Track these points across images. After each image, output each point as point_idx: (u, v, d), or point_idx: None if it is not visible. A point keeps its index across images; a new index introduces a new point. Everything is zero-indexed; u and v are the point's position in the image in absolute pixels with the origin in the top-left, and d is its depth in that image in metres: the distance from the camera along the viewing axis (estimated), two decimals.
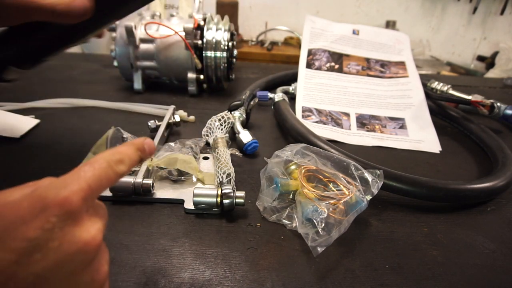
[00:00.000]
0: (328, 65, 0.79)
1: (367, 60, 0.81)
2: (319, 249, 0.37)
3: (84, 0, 0.36)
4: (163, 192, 0.47)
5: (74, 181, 0.23)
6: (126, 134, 0.56)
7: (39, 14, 0.36)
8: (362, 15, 1.69)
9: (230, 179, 0.47)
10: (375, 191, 0.43)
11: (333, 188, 0.44)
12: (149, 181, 0.45)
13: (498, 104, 0.67)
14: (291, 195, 0.45)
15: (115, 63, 0.75)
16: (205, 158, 0.55)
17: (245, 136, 0.57)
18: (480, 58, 1.71)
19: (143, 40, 0.73)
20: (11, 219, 0.20)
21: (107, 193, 0.45)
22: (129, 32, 0.70)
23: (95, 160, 0.25)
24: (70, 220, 0.22)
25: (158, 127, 0.58)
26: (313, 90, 0.74)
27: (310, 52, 0.79)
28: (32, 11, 0.35)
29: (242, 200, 0.43)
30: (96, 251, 0.24)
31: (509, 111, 0.67)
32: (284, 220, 0.43)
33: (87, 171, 0.24)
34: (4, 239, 0.20)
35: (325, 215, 0.39)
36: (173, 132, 0.62)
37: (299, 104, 0.70)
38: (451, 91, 0.76)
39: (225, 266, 0.38)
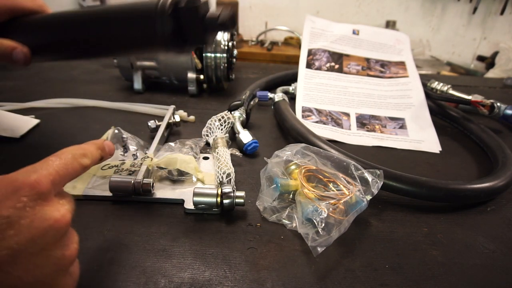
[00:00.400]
0: (328, 65, 0.79)
1: (367, 60, 0.81)
2: (319, 249, 0.37)
3: (19, 52, 0.43)
4: (163, 192, 0.47)
5: (43, 167, 0.26)
6: (126, 134, 0.56)
7: None
8: (362, 15, 1.69)
9: (230, 179, 0.47)
10: (375, 191, 0.43)
11: (333, 188, 0.44)
12: (149, 181, 0.45)
13: (498, 104, 0.67)
14: (291, 195, 0.45)
15: (115, 63, 0.75)
16: (205, 158, 0.55)
17: (245, 136, 0.57)
18: (480, 58, 1.71)
19: None
20: None
21: (107, 193, 0.45)
22: None
23: (61, 152, 0.29)
24: (40, 200, 0.24)
25: (158, 127, 0.58)
26: (313, 90, 0.74)
27: (310, 52, 0.79)
28: None
29: (242, 200, 0.43)
30: (66, 228, 0.26)
31: (509, 111, 0.67)
32: (284, 220, 0.43)
33: (55, 160, 0.27)
34: None
35: (325, 215, 0.39)
36: (173, 132, 0.62)
37: (299, 104, 0.70)
38: (451, 91, 0.76)
39: (225, 266, 0.38)
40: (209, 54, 0.72)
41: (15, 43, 0.44)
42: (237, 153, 0.54)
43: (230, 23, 0.40)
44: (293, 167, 0.46)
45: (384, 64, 0.81)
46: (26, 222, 0.23)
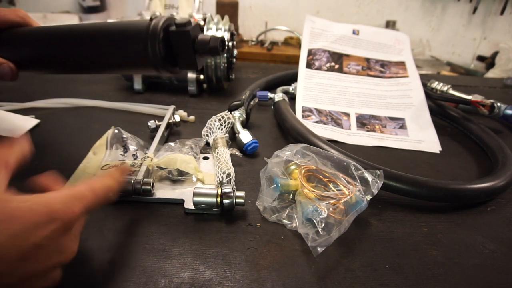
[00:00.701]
0: (328, 65, 0.79)
1: (367, 60, 0.81)
2: (319, 249, 0.37)
3: (6, 68, 0.44)
4: (163, 192, 0.47)
5: (78, 203, 0.28)
6: (126, 134, 0.56)
7: None
8: (362, 15, 1.69)
9: (230, 179, 0.47)
10: (375, 191, 0.43)
11: (333, 188, 0.44)
12: (149, 181, 0.45)
13: (498, 104, 0.67)
14: (291, 195, 0.45)
15: None
16: (205, 158, 0.55)
17: (245, 136, 0.57)
18: (480, 58, 1.71)
19: None
20: (27, 223, 0.25)
21: None
22: None
23: (97, 186, 0.31)
24: (67, 232, 0.27)
25: (158, 127, 0.58)
26: (313, 90, 0.74)
27: (310, 52, 0.79)
28: None
29: (242, 200, 0.43)
30: (71, 259, 0.29)
31: (509, 111, 0.67)
32: (284, 220, 0.43)
33: (88, 195, 0.29)
34: (18, 238, 0.24)
35: (325, 215, 0.39)
36: (173, 132, 0.62)
37: (299, 104, 0.70)
38: (451, 91, 0.76)
39: (225, 266, 0.38)
40: None
41: (1, 58, 0.44)
42: (237, 153, 0.54)
43: (220, 47, 0.40)
44: (293, 167, 0.46)
45: (384, 64, 0.81)
46: (50, 250, 0.27)
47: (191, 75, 0.74)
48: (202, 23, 0.72)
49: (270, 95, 0.70)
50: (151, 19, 0.38)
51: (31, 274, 0.26)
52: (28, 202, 0.26)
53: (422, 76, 0.79)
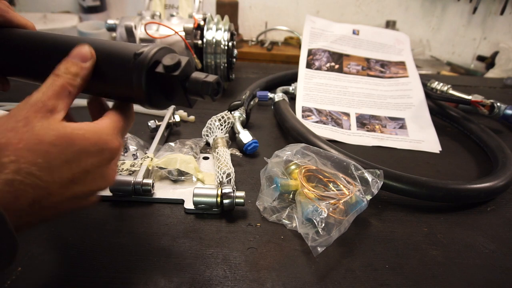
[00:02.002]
0: (328, 65, 0.79)
1: (367, 60, 0.81)
2: (319, 249, 0.37)
3: None
4: (163, 192, 0.47)
5: (120, 134, 0.32)
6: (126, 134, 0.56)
7: None
8: (362, 15, 1.69)
9: (230, 179, 0.47)
10: (375, 191, 0.43)
11: (333, 188, 0.44)
12: (149, 181, 0.45)
13: (498, 104, 0.67)
14: (291, 195, 0.45)
15: None
16: (205, 158, 0.55)
17: (245, 136, 0.57)
18: (480, 58, 1.71)
19: (143, 40, 0.73)
20: (81, 150, 0.27)
21: (107, 193, 0.45)
22: (129, 32, 0.70)
23: (131, 108, 0.36)
24: (111, 162, 0.30)
25: (158, 127, 0.58)
26: (313, 90, 0.74)
27: (310, 52, 0.79)
28: None
29: (242, 200, 0.43)
30: (112, 183, 0.32)
31: (509, 111, 0.67)
32: (284, 220, 0.43)
33: (126, 121, 0.34)
34: (71, 163, 0.27)
35: (325, 215, 0.39)
36: (173, 132, 0.62)
37: (299, 104, 0.70)
38: (451, 91, 0.76)
39: (225, 266, 0.38)
40: (209, 54, 0.72)
41: None
42: (237, 153, 0.54)
43: (213, 92, 0.33)
44: (293, 167, 0.46)
45: (384, 64, 0.81)
46: (96, 176, 0.29)
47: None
48: (202, 23, 0.72)
49: (270, 95, 0.70)
50: (142, 49, 0.34)
51: (77, 196, 0.28)
52: (82, 131, 0.28)
53: (422, 76, 0.79)
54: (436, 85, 0.78)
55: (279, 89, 0.74)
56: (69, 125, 0.28)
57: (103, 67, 0.35)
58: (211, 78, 0.33)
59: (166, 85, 0.35)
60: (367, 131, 0.68)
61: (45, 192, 0.26)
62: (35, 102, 0.28)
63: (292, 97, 0.74)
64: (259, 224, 0.44)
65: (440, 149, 0.64)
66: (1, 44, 0.40)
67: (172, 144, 0.53)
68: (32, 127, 0.26)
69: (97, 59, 0.35)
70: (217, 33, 0.72)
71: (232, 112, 0.62)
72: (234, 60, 0.78)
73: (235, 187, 0.46)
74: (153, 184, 0.46)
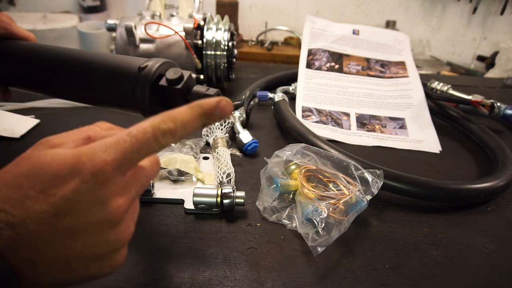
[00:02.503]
0: (328, 65, 0.79)
1: (367, 60, 0.81)
2: (319, 249, 0.37)
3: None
4: (163, 192, 0.47)
5: (111, 150, 0.24)
6: None
7: None
8: (362, 15, 1.69)
9: (230, 179, 0.47)
10: (375, 191, 0.43)
11: (333, 188, 0.44)
12: None
13: (498, 104, 0.67)
14: (291, 195, 0.45)
15: None
16: (205, 158, 0.55)
17: (245, 136, 0.57)
18: (480, 58, 1.71)
19: (143, 40, 0.73)
20: (54, 176, 0.23)
21: None
22: (129, 32, 0.70)
23: (141, 129, 0.25)
24: (100, 186, 0.23)
25: None
26: (313, 90, 0.74)
27: (310, 52, 0.79)
28: None
29: (242, 200, 0.43)
30: (121, 217, 0.25)
31: (509, 111, 0.67)
32: (284, 220, 0.43)
33: (128, 141, 0.24)
34: (47, 193, 0.23)
35: (325, 215, 0.39)
36: None
37: (299, 104, 0.70)
38: (451, 91, 0.76)
39: (225, 266, 0.38)
40: (209, 54, 0.72)
41: None
42: (237, 153, 0.54)
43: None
44: (293, 167, 0.46)
45: (384, 64, 0.81)
46: (83, 207, 0.23)
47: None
48: (202, 23, 0.72)
49: (270, 95, 0.70)
50: (146, 62, 0.36)
51: (76, 233, 0.23)
52: (62, 155, 0.24)
53: (422, 76, 0.79)
54: (436, 85, 0.78)
55: (279, 89, 0.74)
56: (51, 152, 0.24)
57: (108, 79, 0.37)
58: (212, 91, 0.35)
59: (168, 97, 0.37)
60: (367, 131, 0.68)
61: (23, 229, 0.22)
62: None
63: (292, 97, 0.74)
64: (259, 224, 0.44)
65: (440, 149, 0.64)
66: (3, 56, 0.41)
67: (172, 144, 0.54)
68: (14, 162, 0.24)
69: (102, 72, 0.37)
70: (217, 33, 0.72)
71: (232, 112, 0.62)
72: (234, 60, 0.78)
73: (235, 187, 0.46)
74: (153, 184, 0.46)
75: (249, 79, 0.86)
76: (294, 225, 0.42)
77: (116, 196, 0.25)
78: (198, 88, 0.36)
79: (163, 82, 0.36)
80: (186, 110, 0.26)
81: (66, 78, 0.40)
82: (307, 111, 0.69)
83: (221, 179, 0.47)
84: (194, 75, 0.38)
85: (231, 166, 0.49)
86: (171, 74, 0.35)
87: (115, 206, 0.24)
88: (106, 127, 0.29)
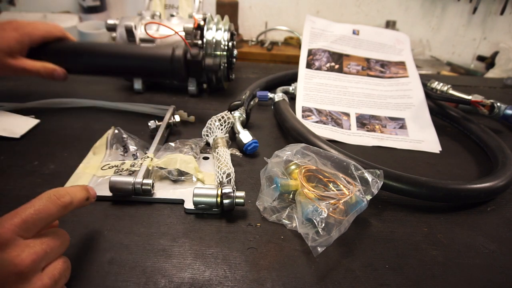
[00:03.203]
0: (328, 65, 0.79)
1: (367, 60, 0.81)
2: (319, 249, 0.37)
3: (60, 72, 0.59)
4: (163, 192, 0.47)
5: (11, 217, 0.29)
6: (126, 134, 0.56)
7: (27, 74, 0.58)
8: (362, 15, 1.69)
9: (230, 179, 0.47)
10: (375, 191, 0.43)
11: (333, 188, 0.44)
12: (149, 181, 0.45)
13: (498, 104, 0.67)
14: (291, 195, 0.45)
15: None
16: (205, 158, 0.55)
17: (245, 136, 0.57)
18: (480, 58, 1.71)
19: (143, 40, 0.73)
20: None
21: (107, 193, 0.45)
22: (129, 32, 0.70)
23: (38, 198, 0.31)
24: (1, 248, 0.27)
25: (158, 127, 0.58)
26: (313, 90, 0.74)
27: (310, 52, 0.79)
28: (21, 72, 0.57)
29: (242, 200, 0.43)
30: (27, 270, 0.28)
31: (509, 111, 0.67)
32: (284, 220, 0.43)
33: (28, 208, 0.30)
34: None
35: (325, 215, 0.39)
36: (173, 132, 0.62)
37: (299, 104, 0.70)
38: (451, 91, 0.76)
39: (225, 266, 0.38)
40: (209, 54, 0.72)
41: (54, 65, 0.59)
42: (237, 153, 0.54)
43: (217, 68, 0.67)
44: (293, 167, 0.46)
45: (384, 64, 0.81)
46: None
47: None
48: (202, 23, 0.72)
49: (270, 95, 0.70)
50: (173, 49, 0.59)
51: None
52: None
53: (422, 76, 0.79)
54: (436, 85, 0.78)
55: (279, 89, 0.74)
56: None
57: (153, 60, 0.60)
58: (216, 66, 0.66)
59: (190, 66, 0.61)
60: (367, 131, 0.68)
61: None
62: None
63: (292, 97, 0.74)
64: (259, 224, 0.44)
65: (440, 149, 0.64)
66: (67, 51, 0.61)
67: (172, 144, 0.54)
68: None
69: (146, 56, 0.60)
70: (217, 33, 0.72)
71: (232, 112, 0.62)
72: (234, 60, 0.78)
73: (235, 187, 0.46)
74: (153, 184, 0.46)
75: (249, 79, 0.86)
76: (294, 225, 0.42)
77: (19, 251, 0.28)
78: (208, 61, 0.66)
79: (189, 56, 0.61)
80: (72, 186, 0.36)
81: (122, 63, 0.61)
82: (307, 111, 0.69)
83: (221, 179, 0.47)
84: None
85: (231, 166, 0.49)
86: (194, 52, 0.61)
87: (17, 260, 0.28)
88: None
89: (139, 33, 0.72)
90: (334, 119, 0.69)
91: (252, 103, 0.65)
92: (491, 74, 1.54)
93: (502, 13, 1.63)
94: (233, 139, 0.59)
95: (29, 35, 0.57)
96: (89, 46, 0.63)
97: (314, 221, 0.39)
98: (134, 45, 0.65)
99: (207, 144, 0.57)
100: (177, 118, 0.62)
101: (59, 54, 0.60)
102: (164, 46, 0.59)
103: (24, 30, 0.56)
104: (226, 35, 0.73)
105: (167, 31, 0.70)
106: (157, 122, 0.59)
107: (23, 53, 0.57)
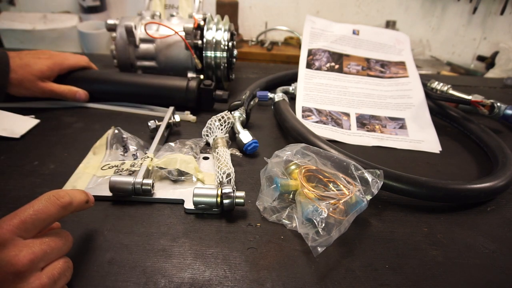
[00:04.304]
0: (328, 65, 0.79)
1: (367, 60, 0.81)
2: (319, 249, 0.37)
3: (82, 94, 0.67)
4: (163, 192, 0.47)
5: (9, 218, 0.30)
6: (126, 134, 0.56)
7: (54, 96, 0.66)
8: (362, 15, 1.69)
9: (230, 179, 0.47)
10: (375, 191, 0.43)
11: (333, 188, 0.44)
12: (149, 181, 0.45)
13: (498, 104, 0.67)
14: (291, 195, 0.45)
15: (115, 63, 0.75)
16: (205, 158, 0.55)
17: (245, 136, 0.57)
18: (480, 58, 1.71)
19: (143, 40, 0.73)
20: None
21: (107, 193, 0.45)
22: (129, 32, 0.70)
23: (37, 199, 0.32)
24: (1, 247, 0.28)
25: (158, 127, 0.58)
26: (313, 90, 0.74)
27: (310, 52, 0.79)
28: (48, 94, 0.65)
29: (242, 200, 0.43)
30: (24, 268, 0.28)
31: (509, 111, 0.67)
32: (284, 220, 0.43)
33: (27, 208, 0.30)
34: None
35: (325, 215, 0.39)
36: (173, 132, 0.62)
37: (299, 104, 0.70)
38: (451, 91, 0.76)
39: (225, 266, 0.38)
40: (209, 54, 0.72)
41: (77, 88, 0.67)
42: (237, 153, 0.54)
43: (227, 98, 0.68)
44: (293, 167, 0.46)
45: (384, 64, 0.81)
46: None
47: (191, 75, 0.74)
48: (202, 23, 0.72)
49: (270, 95, 0.70)
50: (188, 80, 0.67)
51: None
52: None
53: (422, 76, 0.79)
54: (436, 85, 0.78)
55: (279, 89, 0.74)
56: None
57: (169, 89, 0.67)
58: (226, 94, 0.68)
59: (201, 94, 0.67)
60: (367, 131, 0.68)
61: None
62: None
63: (292, 97, 0.74)
64: (259, 224, 0.44)
65: (440, 149, 0.64)
66: (92, 79, 0.69)
67: (172, 144, 0.54)
68: None
69: (162, 86, 0.67)
70: (217, 33, 0.72)
71: (232, 112, 0.62)
72: (234, 60, 0.78)
73: (235, 187, 0.46)
74: (153, 184, 0.46)
75: (249, 79, 0.86)
76: (294, 225, 0.42)
77: (17, 250, 0.29)
78: (218, 92, 0.68)
79: (202, 86, 0.67)
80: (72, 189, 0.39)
81: (139, 91, 0.68)
82: (307, 111, 0.69)
83: (221, 179, 0.47)
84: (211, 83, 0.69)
85: (231, 166, 0.49)
86: (207, 82, 0.67)
87: (15, 259, 0.28)
88: None
89: (139, 33, 0.72)
90: (334, 119, 0.69)
91: (252, 103, 0.65)
92: (491, 74, 1.54)
93: (502, 13, 1.63)
94: (233, 139, 0.59)
95: (59, 64, 0.66)
96: (110, 75, 0.70)
97: (314, 221, 0.39)
98: (151, 75, 0.70)
99: (207, 144, 0.57)
100: (177, 118, 0.62)
101: (83, 81, 0.68)
102: (179, 78, 0.68)
103: (55, 60, 0.66)
104: (226, 35, 0.73)
105: (167, 31, 0.70)
106: (157, 122, 0.59)
107: (51, 79, 0.66)
